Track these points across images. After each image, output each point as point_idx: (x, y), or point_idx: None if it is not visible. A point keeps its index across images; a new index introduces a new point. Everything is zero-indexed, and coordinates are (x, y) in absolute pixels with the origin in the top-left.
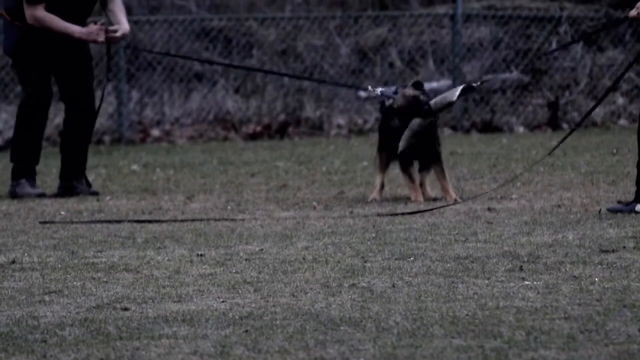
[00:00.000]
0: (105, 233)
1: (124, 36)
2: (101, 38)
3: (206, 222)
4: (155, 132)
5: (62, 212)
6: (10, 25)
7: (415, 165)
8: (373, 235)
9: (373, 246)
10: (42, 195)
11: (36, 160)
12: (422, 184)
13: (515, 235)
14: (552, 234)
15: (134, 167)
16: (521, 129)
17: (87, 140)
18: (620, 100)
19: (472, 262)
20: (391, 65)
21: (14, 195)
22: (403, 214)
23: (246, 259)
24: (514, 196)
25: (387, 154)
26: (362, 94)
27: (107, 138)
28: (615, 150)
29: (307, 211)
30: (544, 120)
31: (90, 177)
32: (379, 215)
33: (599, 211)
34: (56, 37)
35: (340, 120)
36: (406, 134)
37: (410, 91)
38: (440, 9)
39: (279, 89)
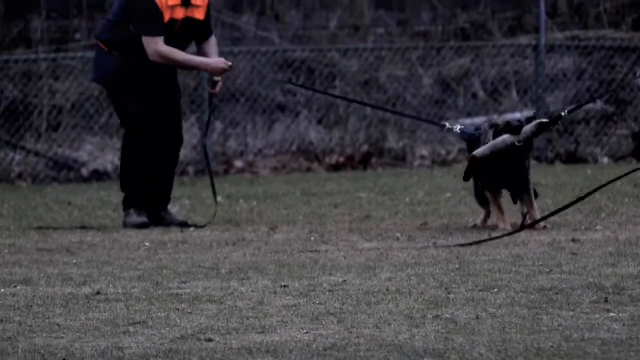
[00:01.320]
0: (189, 264)
1: (230, 67)
2: (225, 67)
3: (290, 253)
4: (239, 163)
5: (147, 244)
6: (106, 55)
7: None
8: (457, 266)
9: (457, 277)
10: (144, 225)
11: (144, 189)
12: (530, 217)
13: (600, 267)
14: (637, 265)
15: (218, 198)
16: (606, 160)
17: (173, 170)
18: None
19: (557, 293)
20: (474, 96)
21: (125, 225)
22: (489, 239)
23: (330, 290)
24: (598, 227)
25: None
26: (447, 125)
27: (191, 169)
28: None
29: (390, 242)
30: (628, 151)
31: (174, 209)
32: (462, 246)
33: None
34: (153, 68)
35: (424, 151)
36: (488, 145)
37: (501, 120)
38: (524, 40)
39: (362, 120)
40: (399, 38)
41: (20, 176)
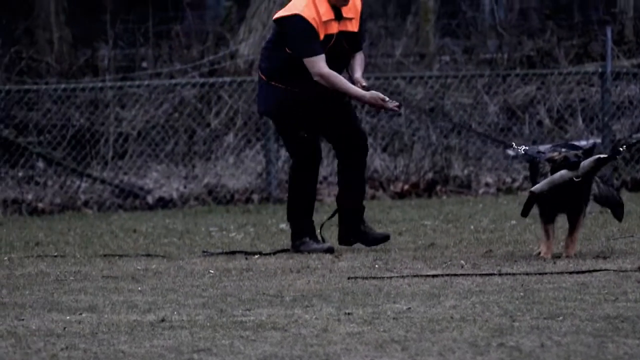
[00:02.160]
0: (253, 291)
1: (396, 108)
2: (381, 104)
3: (354, 280)
4: None
5: (211, 271)
6: (266, 85)
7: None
8: (521, 294)
9: (521, 305)
10: (330, 250)
11: (312, 214)
12: (570, 239)
13: None
14: None
15: (282, 225)
16: None
17: (364, 179)
18: None
19: (622, 321)
20: (540, 123)
21: (298, 251)
22: (552, 273)
23: (394, 318)
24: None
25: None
26: (510, 152)
27: (255, 197)
28: None
29: (454, 270)
30: None
31: (239, 236)
32: (527, 274)
33: None
34: (314, 91)
35: (489, 178)
36: (546, 180)
37: (574, 151)
38: (590, 67)
39: (426, 147)
40: (464, 65)
41: (86, 204)
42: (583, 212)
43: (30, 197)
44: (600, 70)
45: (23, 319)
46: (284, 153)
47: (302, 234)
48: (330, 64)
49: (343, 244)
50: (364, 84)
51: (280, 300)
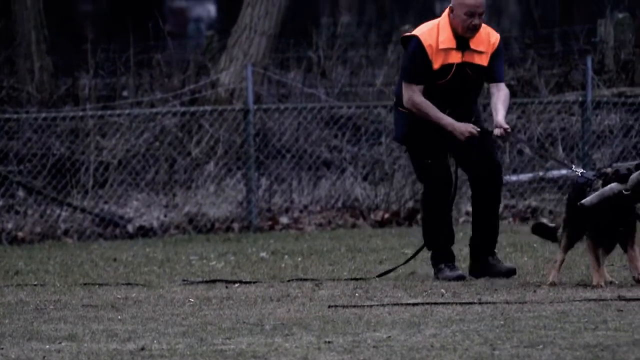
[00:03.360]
0: (233, 320)
1: (506, 134)
2: (468, 135)
3: (334, 308)
4: (284, 219)
5: (192, 300)
6: (395, 111)
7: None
8: (502, 322)
9: (502, 334)
10: (460, 278)
11: (451, 241)
12: (630, 259)
13: None
14: None
15: (263, 254)
16: None
17: (496, 210)
18: None
19: (602, 350)
20: (520, 152)
21: (439, 279)
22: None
23: (374, 346)
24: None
25: (574, 233)
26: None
27: (236, 225)
28: None
29: (435, 298)
30: None
31: (220, 264)
32: (507, 302)
33: None
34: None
35: (469, 207)
36: (596, 193)
37: (627, 165)
38: (570, 96)
39: (407, 176)
40: None
41: (66, 232)
42: (635, 239)
43: (10, 226)
44: (580, 99)
45: (2, 348)
46: (264, 182)
47: (438, 261)
48: (451, 95)
49: (473, 275)
50: (505, 126)
51: (261, 329)
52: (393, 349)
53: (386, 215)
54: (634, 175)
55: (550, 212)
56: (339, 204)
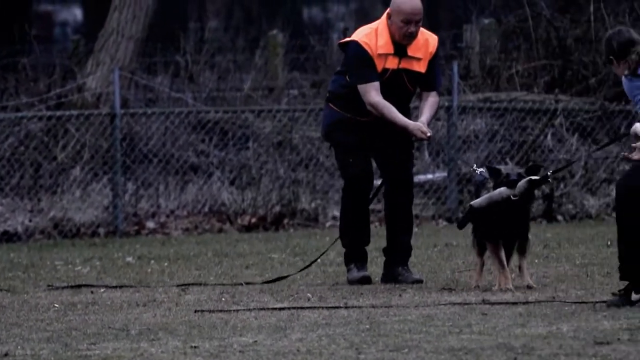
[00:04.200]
0: (99, 325)
1: (428, 139)
2: (422, 136)
3: (200, 313)
4: (150, 224)
5: (56, 305)
6: (325, 107)
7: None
8: (367, 326)
9: (367, 338)
10: (364, 280)
11: (366, 242)
12: (520, 267)
13: (509, 327)
14: (546, 325)
15: (129, 259)
16: None
17: (409, 226)
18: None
19: (466, 353)
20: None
21: (348, 281)
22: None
23: (240, 351)
24: (508, 286)
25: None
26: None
27: (102, 230)
28: (609, 242)
29: (301, 302)
30: (538, 212)
31: (85, 269)
32: (373, 306)
33: (594, 303)
34: (361, 119)
35: (336, 211)
36: (485, 196)
37: (513, 168)
38: None
39: (274, 180)
40: (312, 99)
41: None
42: (525, 245)
43: None
44: (446, 104)
45: None
46: (131, 186)
47: (349, 260)
48: (386, 99)
49: (384, 282)
50: (424, 130)
51: (126, 334)
52: (259, 354)
53: (253, 220)
54: (522, 182)
55: (416, 216)
56: (206, 209)
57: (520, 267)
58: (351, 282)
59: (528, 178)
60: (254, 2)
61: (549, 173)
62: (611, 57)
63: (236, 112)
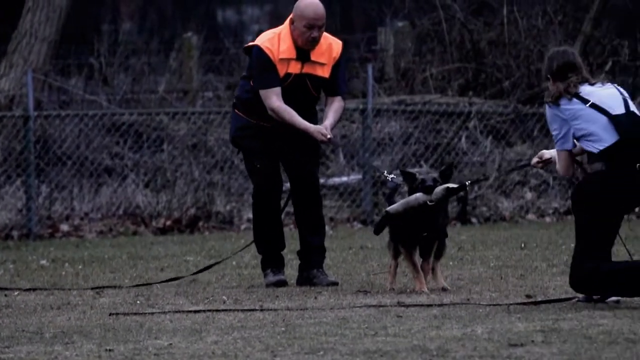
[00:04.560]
0: (12, 328)
1: (329, 140)
2: (322, 138)
3: (115, 316)
4: (65, 227)
5: None
6: (232, 113)
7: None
8: (283, 329)
9: (283, 340)
10: (280, 283)
11: (280, 246)
12: (434, 270)
13: (424, 329)
14: (461, 327)
15: (43, 262)
16: None
17: (319, 227)
18: (529, 195)
19: (382, 356)
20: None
21: (265, 286)
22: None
23: (155, 354)
24: (423, 289)
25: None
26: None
27: (15, 233)
28: (523, 245)
29: (216, 305)
30: (453, 215)
31: None
32: (289, 309)
33: (508, 305)
34: (274, 125)
35: (251, 214)
36: (402, 201)
37: (428, 172)
38: (350, 104)
39: (189, 183)
40: (227, 102)
41: None
42: (441, 249)
43: None
44: (361, 107)
45: None
46: (44, 189)
47: (265, 266)
48: (289, 104)
49: (299, 285)
50: (325, 133)
51: (40, 337)
52: (174, 357)
53: (168, 223)
54: (438, 189)
55: (331, 219)
56: (121, 212)
57: (434, 270)
58: (268, 286)
59: (446, 186)
60: (167, 4)
61: (467, 183)
62: (548, 75)
63: (151, 114)
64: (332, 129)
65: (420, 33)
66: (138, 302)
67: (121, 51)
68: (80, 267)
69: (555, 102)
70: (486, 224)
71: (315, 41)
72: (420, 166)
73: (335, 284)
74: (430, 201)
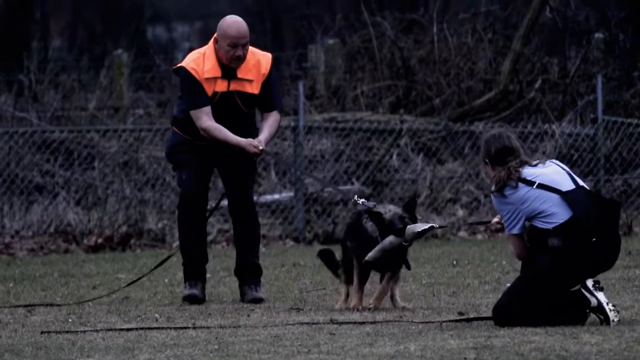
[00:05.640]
0: None
1: (261, 152)
2: (255, 150)
3: (47, 334)
4: None
5: None
6: (170, 130)
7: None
8: (216, 347)
9: (215, 358)
10: (189, 298)
11: (200, 259)
12: (392, 295)
13: (357, 347)
14: (394, 345)
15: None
16: None
17: (252, 244)
18: (460, 212)
19: None
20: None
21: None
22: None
23: None
24: (358, 307)
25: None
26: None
27: None
28: (455, 262)
29: (149, 323)
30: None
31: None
32: (221, 327)
33: (440, 323)
34: (198, 142)
35: None
36: (378, 248)
37: (394, 210)
38: (282, 121)
39: (120, 201)
40: (158, 119)
41: None
42: (399, 271)
43: None
44: (292, 124)
45: None
46: None
47: (185, 278)
48: (221, 122)
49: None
50: (257, 144)
51: None
52: None
53: (99, 241)
54: (410, 231)
55: (264, 236)
56: (52, 229)
57: (392, 295)
58: (183, 299)
59: (417, 231)
60: (97, 22)
61: (436, 225)
62: (486, 160)
63: (81, 131)
64: (266, 143)
65: (350, 50)
66: (70, 320)
67: (51, 68)
68: (11, 285)
69: (500, 192)
70: (418, 241)
71: (240, 59)
72: (352, 184)
73: (258, 300)
74: (405, 241)
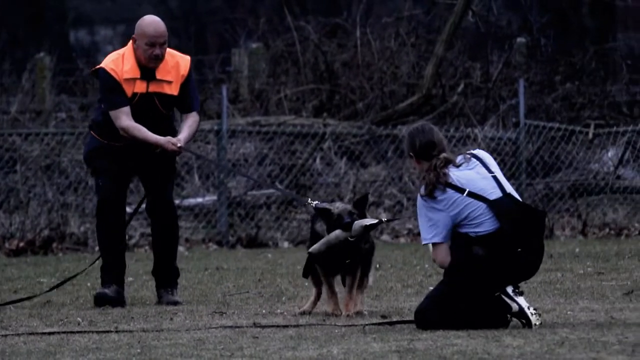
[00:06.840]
0: None
1: (180, 149)
2: (173, 148)
3: None
4: None
5: None
6: (88, 134)
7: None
8: (138, 350)
9: None
10: (97, 299)
11: (117, 262)
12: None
13: (280, 350)
14: (317, 348)
15: None
16: (286, 244)
17: (169, 246)
18: (383, 216)
19: None
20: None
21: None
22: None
23: None
24: (279, 311)
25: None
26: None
27: None
28: (378, 266)
29: (71, 327)
30: (308, 236)
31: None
32: (144, 331)
33: (364, 326)
34: (126, 144)
35: None
36: (322, 241)
37: (343, 206)
38: (205, 125)
39: (43, 204)
40: (80, 122)
41: None
42: (360, 269)
43: None
44: (216, 127)
45: None
46: None
47: (102, 282)
48: (140, 123)
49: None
50: (175, 142)
51: None
52: None
53: (21, 244)
54: (357, 225)
55: (187, 240)
56: None
57: (348, 297)
58: (94, 301)
59: (364, 224)
60: (20, 25)
61: (383, 219)
62: (411, 153)
63: (3, 135)
64: (186, 142)
65: (274, 54)
66: None
67: None
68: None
69: (431, 195)
70: None
71: (158, 58)
72: (277, 187)
73: (175, 303)
74: (351, 237)
